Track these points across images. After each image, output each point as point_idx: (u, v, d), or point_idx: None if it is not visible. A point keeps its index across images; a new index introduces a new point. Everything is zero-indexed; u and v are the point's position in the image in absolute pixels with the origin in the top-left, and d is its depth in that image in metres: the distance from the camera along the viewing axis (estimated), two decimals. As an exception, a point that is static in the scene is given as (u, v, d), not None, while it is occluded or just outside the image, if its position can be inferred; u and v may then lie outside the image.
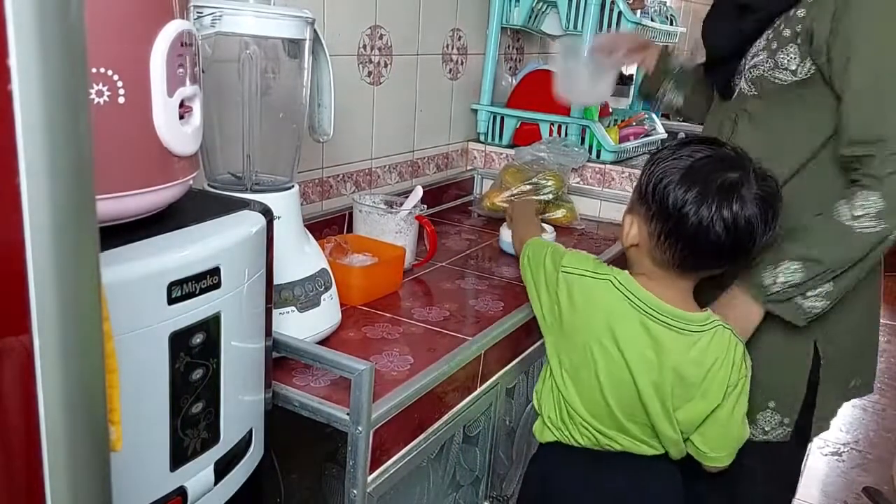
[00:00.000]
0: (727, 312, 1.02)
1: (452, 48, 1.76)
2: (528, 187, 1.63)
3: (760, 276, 0.99)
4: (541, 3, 1.81)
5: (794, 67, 1.00)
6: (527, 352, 1.22)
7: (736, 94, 1.10)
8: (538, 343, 1.26)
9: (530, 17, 1.84)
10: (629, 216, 0.98)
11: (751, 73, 1.05)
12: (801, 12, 0.98)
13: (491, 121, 1.89)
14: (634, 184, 1.02)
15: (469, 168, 1.92)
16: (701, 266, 0.96)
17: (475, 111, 1.89)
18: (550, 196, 1.63)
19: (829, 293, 0.98)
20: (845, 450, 2.39)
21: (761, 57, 1.03)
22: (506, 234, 1.46)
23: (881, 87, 0.93)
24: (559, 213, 1.64)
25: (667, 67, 1.39)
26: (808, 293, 0.97)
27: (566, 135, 1.79)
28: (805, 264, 0.96)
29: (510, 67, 2.05)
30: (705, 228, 0.90)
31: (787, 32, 0.99)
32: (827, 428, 1.14)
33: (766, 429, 1.10)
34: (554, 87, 1.55)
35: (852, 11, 0.93)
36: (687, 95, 1.37)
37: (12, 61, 0.27)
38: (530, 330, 1.21)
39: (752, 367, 1.01)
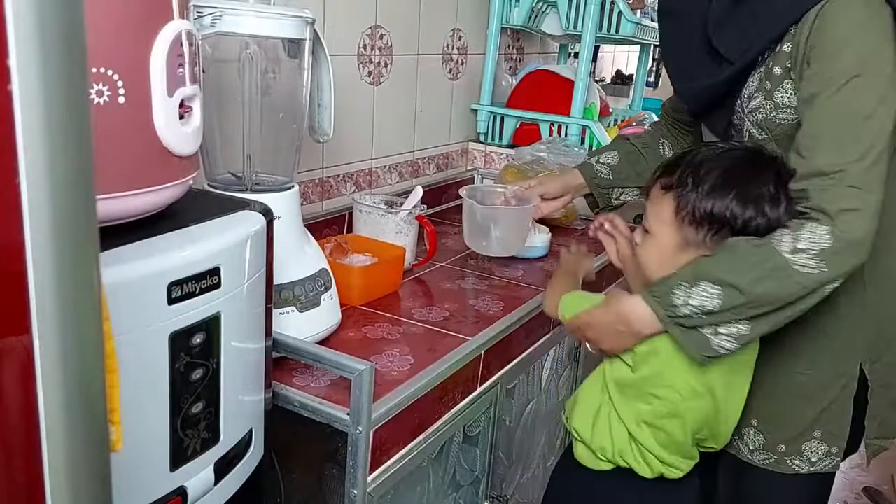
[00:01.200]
0: (614, 308, 0.90)
1: (452, 48, 1.76)
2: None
3: (671, 293, 0.84)
4: (541, 3, 1.81)
5: (795, 104, 0.90)
6: (527, 352, 1.22)
7: (746, 137, 0.98)
8: (538, 343, 1.26)
9: (530, 17, 1.84)
10: (697, 251, 0.87)
11: (753, 116, 0.95)
12: (787, 46, 0.89)
13: (491, 121, 1.89)
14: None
15: (469, 168, 1.92)
16: None
17: (475, 111, 1.89)
18: (550, 196, 1.63)
19: (741, 336, 0.84)
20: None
21: (759, 99, 0.94)
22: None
23: (845, 111, 0.83)
24: (558, 213, 1.64)
25: (607, 202, 1.28)
26: (721, 328, 0.83)
27: (566, 135, 1.79)
28: (724, 290, 0.82)
29: (510, 67, 2.05)
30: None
31: (777, 70, 0.91)
32: (887, 447, 1.03)
33: (814, 460, 1.00)
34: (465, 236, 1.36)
35: (823, 33, 0.85)
36: (644, 172, 1.21)
37: (12, 61, 0.27)
38: (530, 330, 1.21)
39: (793, 395, 0.97)
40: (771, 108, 0.93)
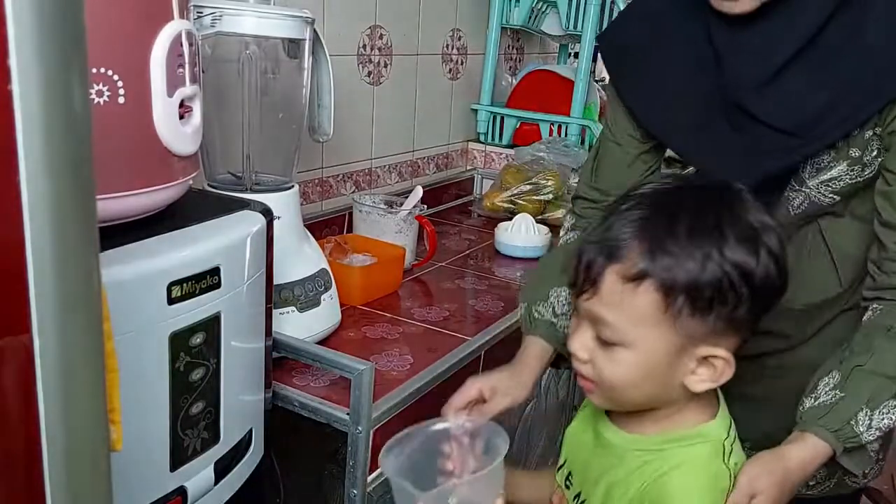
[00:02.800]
0: (784, 471, 0.68)
1: (452, 48, 1.76)
2: (528, 187, 1.64)
3: (854, 421, 0.69)
4: (541, 3, 1.81)
5: (877, 160, 0.77)
6: (527, 352, 1.22)
7: (796, 204, 0.81)
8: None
9: (530, 17, 1.84)
10: (717, 349, 0.62)
11: (829, 185, 0.79)
12: (869, 133, 0.75)
13: (491, 121, 1.89)
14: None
15: (469, 168, 1.92)
16: None
17: (475, 111, 1.89)
18: (550, 196, 1.63)
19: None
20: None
21: (840, 167, 0.77)
22: (503, 234, 1.46)
23: None
24: (558, 213, 1.64)
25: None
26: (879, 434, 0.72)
27: (566, 135, 1.79)
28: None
29: (510, 67, 2.05)
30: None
31: (867, 134, 0.76)
32: None
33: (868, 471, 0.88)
34: None
35: None
36: None
37: (12, 61, 0.27)
38: (530, 330, 1.21)
39: None
40: (858, 171, 0.77)
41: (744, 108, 0.77)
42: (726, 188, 0.64)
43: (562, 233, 0.97)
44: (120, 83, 0.58)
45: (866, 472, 0.82)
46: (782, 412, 0.82)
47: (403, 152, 1.68)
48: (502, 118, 1.88)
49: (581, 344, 0.64)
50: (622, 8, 1.60)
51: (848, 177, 0.78)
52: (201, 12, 0.85)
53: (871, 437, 0.70)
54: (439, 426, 0.70)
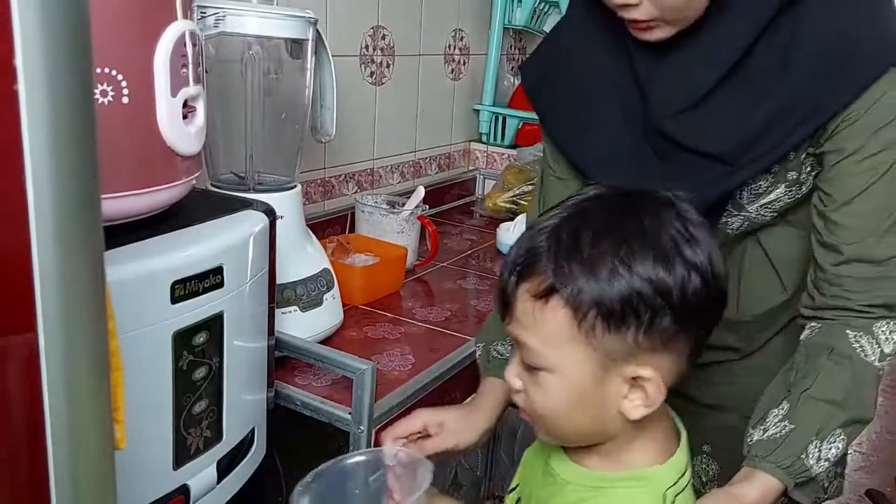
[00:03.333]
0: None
1: (454, 48, 1.77)
2: (530, 188, 1.64)
3: (805, 455, 0.67)
4: (543, 4, 1.82)
5: (812, 179, 0.75)
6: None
7: (735, 226, 0.79)
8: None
9: (533, 18, 1.84)
10: (650, 370, 0.56)
11: (768, 207, 0.76)
12: (803, 154, 0.73)
13: (493, 121, 1.89)
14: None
15: (471, 168, 1.92)
16: None
17: (477, 111, 1.89)
18: (552, 196, 1.63)
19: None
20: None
21: (778, 190, 0.75)
22: (504, 235, 1.46)
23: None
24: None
25: None
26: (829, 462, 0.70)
27: (568, 135, 1.79)
28: (848, 428, 0.69)
29: (512, 68, 2.05)
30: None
31: (792, 174, 0.74)
32: None
33: (826, 485, 0.86)
34: None
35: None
36: None
37: (18, 61, 0.27)
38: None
39: None
40: (796, 190, 0.75)
41: (668, 136, 0.73)
42: (649, 197, 0.59)
43: None
44: (124, 83, 0.58)
45: (821, 497, 0.80)
46: (736, 416, 0.82)
47: (405, 152, 1.68)
48: (504, 118, 1.88)
49: (513, 373, 0.61)
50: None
51: (787, 197, 0.75)
52: (204, 12, 0.85)
53: (820, 469, 0.68)
54: (354, 460, 0.66)
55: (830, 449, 0.68)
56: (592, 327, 0.55)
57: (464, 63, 1.81)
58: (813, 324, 0.74)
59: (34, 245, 0.29)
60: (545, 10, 1.84)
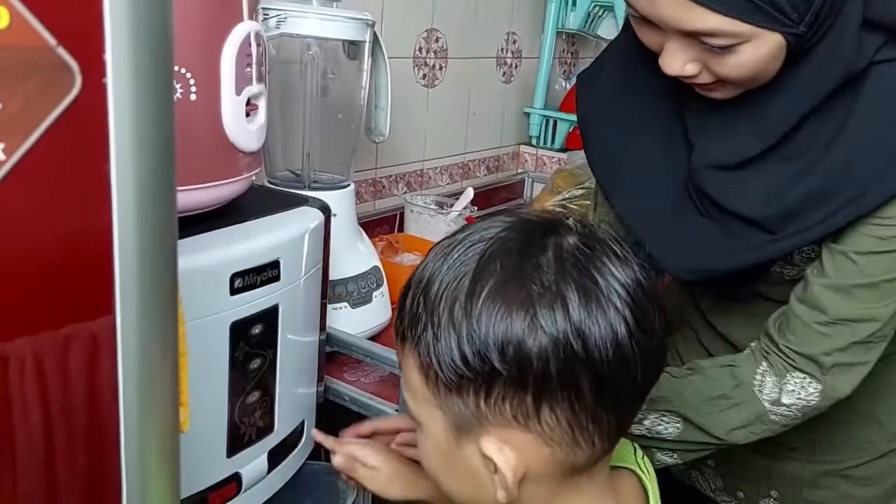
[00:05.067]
0: None
1: (507, 51, 1.77)
2: (580, 192, 1.62)
3: None
4: (597, 7, 1.80)
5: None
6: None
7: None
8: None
9: (586, 22, 1.82)
10: (488, 443, 0.46)
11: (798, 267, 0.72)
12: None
13: (543, 124, 1.88)
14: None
15: (520, 171, 1.92)
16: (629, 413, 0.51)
17: (528, 114, 1.88)
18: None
19: (681, 456, 0.73)
20: None
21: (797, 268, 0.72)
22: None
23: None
24: (610, 219, 1.63)
25: None
26: (666, 451, 0.72)
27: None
28: (686, 427, 0.70)
29: (564, 71, 2.03)
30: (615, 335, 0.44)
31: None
32: None
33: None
34: None
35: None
36: None
37: (108, 56, 0.29)
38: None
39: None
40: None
41: (708, 194, 0.70)
42: (550, 236, 0.46)
43: None
44: (192, 81, 0.60)
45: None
46: (806, 463, 0.82)
47: (455, 154, 1.68)
48: (555, 122, 1.87)
49: (407, 420, 0.56)
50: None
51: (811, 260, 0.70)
52: (267, 14, 0.88)
53: (636, 431, 0.69)
54: None
55: (657, 426, 0.70)
56: (436, 384, 0.46)
57: (516, 66, 1.81)
58: (754, 345, 0.72)
59: (115, 232, 0.31)
60: (599, 13, 1.83)
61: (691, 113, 0.72)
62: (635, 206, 0.76)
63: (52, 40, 0.27)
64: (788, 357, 0.69)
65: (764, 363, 0.70)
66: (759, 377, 0.70)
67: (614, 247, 0.46)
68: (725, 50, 0.61)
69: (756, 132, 0.68)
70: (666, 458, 0.73)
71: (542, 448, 0.46)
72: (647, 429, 0.71)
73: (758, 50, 0.61)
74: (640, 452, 0.60)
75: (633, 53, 0.73)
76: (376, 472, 0.67)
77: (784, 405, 0.69)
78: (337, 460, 0.69)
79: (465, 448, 0.47)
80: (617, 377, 0.44)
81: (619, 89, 0.78)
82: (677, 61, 0.64)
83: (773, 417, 0.69)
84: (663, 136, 0.75)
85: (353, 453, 0.69)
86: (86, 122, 0.29)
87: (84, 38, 0.28)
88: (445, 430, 0.48)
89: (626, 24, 0.76)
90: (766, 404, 0.69)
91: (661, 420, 0.70)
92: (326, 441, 0.73)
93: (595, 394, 0.44)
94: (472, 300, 0.44)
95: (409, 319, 0.48)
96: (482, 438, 0.46)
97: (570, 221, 0.48)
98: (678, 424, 0.70)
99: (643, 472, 0.58)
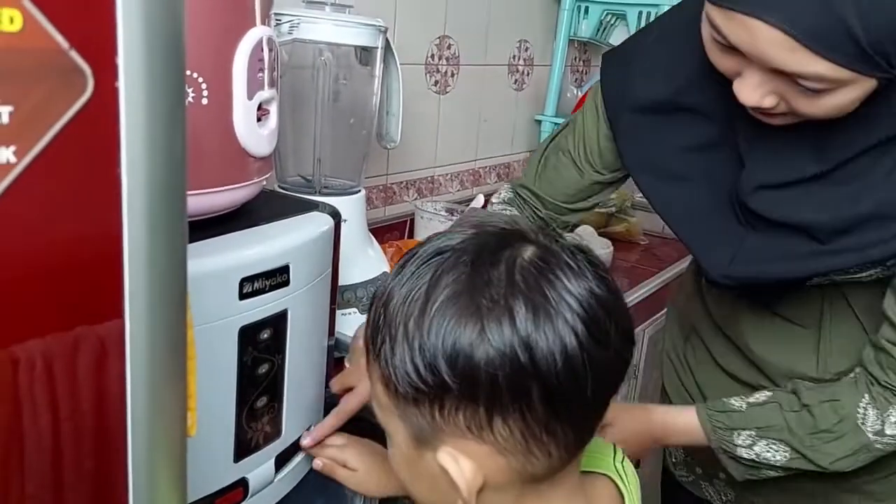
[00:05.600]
0: (654, 421, 0.79)
1: (519, 59, 1.77)
2: (591, 200, 1.62)
3: (734, 432, 0.76)
4: (610, 16, 1.80)
5: None
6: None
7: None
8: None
9: (599, 30, 1.82)
10: (444, 454, 0.47)
11: (858, 282, 0.73)
12: None
13: (554, 132, 1.88)
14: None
15: (530, 179, 1.92)
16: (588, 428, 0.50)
17: (539, 122, 1.88)
18: (613, 209, 1.61)
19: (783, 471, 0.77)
20: None
21: (872, 270, 0.71)
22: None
23: None
24: (621, 228, 1.62)
25: None
26: (774, 468, 0.77)
27: (631, 148, 1.76)
28: (793, 455, 0.75)
29: (576, 79, 2.03)
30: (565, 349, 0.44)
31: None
32: None
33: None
34: None
35: None
36: None
37: (120, 60, 0.29)
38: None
39: None
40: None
41: (755, 211, 0.70)
42: (506, 246, 0.47)
43: (494, 200, 0.94)
44: (204, 85, 0.60)
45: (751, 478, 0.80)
46: (823, 481, 0.82)
47: (466, 161, 1.68)
48: (566, 130, 1.87)
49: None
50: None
51: (882, 272, 0.71)
52: (280, 19, 0.88)
53: (745, 455, 0.75)
54: None
55: (765, 452, 0.75)
56: (395, 395, 0.48)
57: (527, 73, 1.81)
58: (862, 376, 0.74)
59: (126, 236, 0.31)
60: (612, 21, 1.83)
61: (744, 127, 0.70)
62: (664, 192, 0.76)
63: (64, 43, 0.27)
64: (890, 391, 0.71)
65: (867, 395, 0.72)
66: (861, 410, 0.72)
67: (569, 260, 0.46)
68: (819, 92, 0.59)
69: (812, 158, 0.67)
70: (771, 473, 0.78)
71: (498, 458, 0.46)
72: (756, 454, 0.76)
73: (851, 94, 0.59)
74: (619, 457, 0.60)
75: (689, 46, 0.71)
76: (354, 472, 0.73)
77: (888, 435, 0.72)
78: (317, 463, 0.74)
79: (426, 457, 0.48)
80: (567, 389, 0.44)
81: (661, 72, 0.75)
82: (756, 93, 0.62)
83: (877, 446, 0.73)
84: (704, 133, 0.73)
85: (333, 456, 0.74)
86: (97, 126, 0.29)
87: (96, 41, 0.28)
88: (407, 440, 0.49)
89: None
90: (870, 435, 0.72)
91: (770, 448, 0.75)
92: (308, 445, 0.75)
93: (546, 405, 0.44)
94: (425, 314, 0.45)
95: (371, 332, 0.49)
96: (438, 450, 0.47)
97: (531, 233, 0.48)
98: (786, 453, 0.75)
99: (621, 478, 0.58)
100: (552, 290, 0.44)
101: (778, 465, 0.75)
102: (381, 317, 0.48)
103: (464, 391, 0.44)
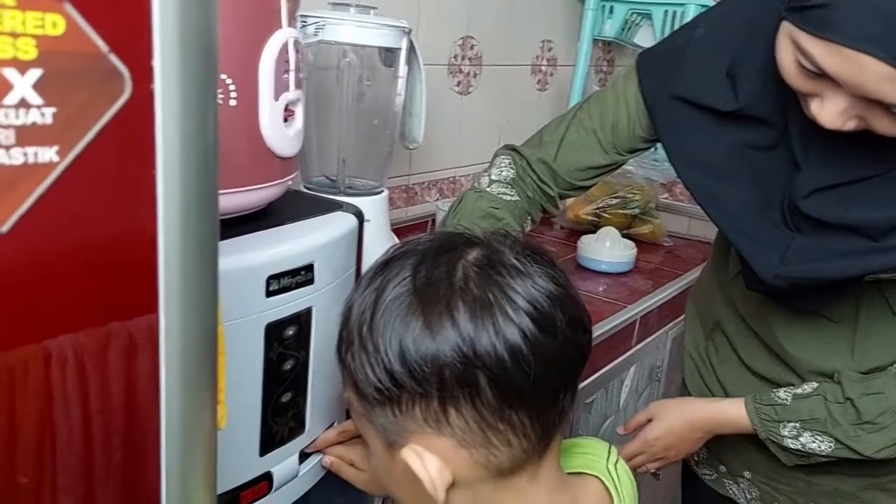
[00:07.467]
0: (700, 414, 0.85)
1: (542, 59, 1.76)
2: (615, 201, 1.61)
3: (781, 423, 0.79)
4: (635, 16, 1.79)
5: None
6: (607, 367, 1.20)
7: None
8: (619, 359, 1.23)
9: (623, 29, 1.81)
10: (407, 450, 0.49)
11: None
12: None
13: (577, 133, 1.87)
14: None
15: (553, 179, 1.91)
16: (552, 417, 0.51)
17: (562, 123, 1.88)
18: (637, 210, 1.61)
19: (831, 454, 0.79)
20: None
21: None
22: (586, 247, 1.45)
23: None
24: (645, 229, 1.61)
25: None
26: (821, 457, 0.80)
27: (656, 149, 1.75)
28: (837, 446, 0.77)
29: (600, 80, 2.02)
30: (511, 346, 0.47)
31: None
32: None
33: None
34: None
35: None
36: None
37: (156, 62, 0.30)
38: (611, 346, 1.19)
39: None
40: None
41: (807, 215, 0.70)
42: (461, 252, 0.50)
43: (494, 177, 0.92)
44: (232, 86, 0.62)
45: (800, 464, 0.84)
46: (849, 478, 0.85)
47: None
48: (589, 130, 1.86)
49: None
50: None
51: None
52: (305, 21, 0.89)
53: (792, 445, 0.79)
54: None
55: (811, 443, 0.78)
56: (362, 400, 0.51)
57: (551, 74, 1.81)
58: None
59: (160, 234, 0.32)
60: (636, 21, 1.82)
61: (796, 128, 0.69)
62: (713, 189, 0.75)
63: (104, 47, 0.28)
64: None
65: None
66: (888, 387, 0.74)
67: (513, 259, 0.49)
68: None
69: (867, 161, 0.67)
70: (821, 459, 0.80)
71: (461, 451, 0.48)
72: (802, 444, 0.79)
73: None
74: (613, 459, 0.60)
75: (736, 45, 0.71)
76: (361, 471, 0.74)
77: None
78: (325, 460, 0.75)
79: (398, 459, 0.50)
80: (514, 376, 0.47)
81: (714, 74, 0.74)
82: (840, 119, 0.62)
83: None
84: (759, 135, 0.73)
85: (341, 455, 0.75)
86: (134, 127, 0.30)
87: (134, 44, 0.29)
88: (379, 445, 0.52)
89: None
90: None
91: (815, 438, 0.78)
92: (320, 445, 0.76)
93: (495, 393, 0.47)
94: (374, 318, 0.49)
95: (338, 341, 0.53)
96: (403, 449, 0.49)
97: (477, 238, 0.52)
98: (830, 443, 0.77)
99: (612, 480, 0.58)
100: (494, 288, 0.47)
101: (823, 454, 0.78)
102: (344, 329, 0.52)
103: (416, 386, 0.47)
